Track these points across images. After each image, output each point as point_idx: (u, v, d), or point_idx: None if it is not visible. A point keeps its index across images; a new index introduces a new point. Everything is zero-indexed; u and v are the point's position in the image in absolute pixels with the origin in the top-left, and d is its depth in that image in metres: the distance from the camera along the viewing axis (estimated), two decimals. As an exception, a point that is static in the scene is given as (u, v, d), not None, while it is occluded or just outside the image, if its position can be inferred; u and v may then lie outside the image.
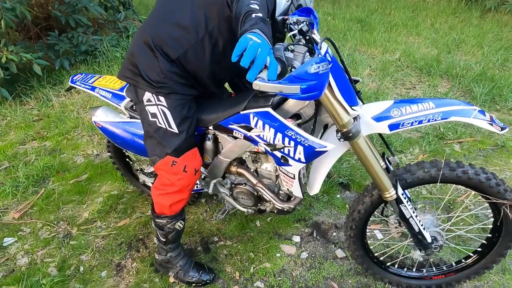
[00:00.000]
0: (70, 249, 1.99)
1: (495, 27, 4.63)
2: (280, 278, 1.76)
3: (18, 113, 3.37)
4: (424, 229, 1.41)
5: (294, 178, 1.42)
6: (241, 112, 1.38)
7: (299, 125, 1.36)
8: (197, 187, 1.83)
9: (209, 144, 1.61)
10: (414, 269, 1.67)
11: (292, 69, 1.03)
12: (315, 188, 1.44)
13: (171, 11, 1.36)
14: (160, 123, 1.42)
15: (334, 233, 1.98)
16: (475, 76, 3.36)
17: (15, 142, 2.97)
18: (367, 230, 1.58)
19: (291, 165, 1.36)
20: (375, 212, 1.51)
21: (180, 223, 1.62)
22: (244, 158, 1.61)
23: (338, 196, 2.22)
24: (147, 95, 1.41)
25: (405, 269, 1.67)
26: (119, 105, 1.78)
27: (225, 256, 1.90)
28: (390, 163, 1.49)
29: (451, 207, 2.04)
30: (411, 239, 1.47)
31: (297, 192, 1.50)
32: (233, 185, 1.70)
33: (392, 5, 5.79)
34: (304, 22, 1.28)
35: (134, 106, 1.59)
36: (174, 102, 1.40)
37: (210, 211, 2.18)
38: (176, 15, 1.34)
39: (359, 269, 1.76)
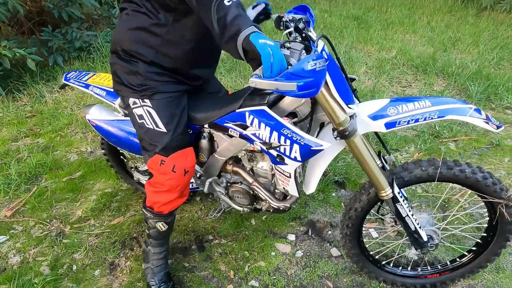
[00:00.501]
0: (63, 247, 1.96)
1: (491, 25, 4.64)
2: (275, 277, 1.76)
3: (11, 109, 3.32)
4: (420, 228, 1.41)
5: (290, 177, 1.41)
6: (237, 110, 1.37)
7: (295, 124, 1.35)
8: (192, 185, 1.81)
9: (204, 142, 1.59)
10: (409, 268, 1.67)
11: (289, 66, 1.02)
12: (311, 187, 1.44)
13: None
14: (148, 124, 1.43)
15: (329, 232, 1.98)
16: (470, 75, 3.36)
17: (7, 139, 2.93)
18: (363, 229, 1.58)
19: (287, 164, 1.35)
20: (371, 211, 1.51)
21: (163, 224, 1.60)
22: (240, 156, 1.59)
23: (333, 194, 2.21)
24: (132, 99, 1.43)
25: (400, 268, 1.67)
26: (113, 103, 1.76)
27: (220, 255, 1.88)
28: (386, 162, 1.49)
29: (447, 205, 2.04)
30: (407, 237, 1.47)
31: (293, 191, 1.49)
32: (228, 184, 1.68)
33: (388, 2, 5.79)
34: (301, 19, 1.27)
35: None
36: (158, 102, 1.40)
37: (205, 209, 2.17)
38: (135, 18, 1.32)
39: (354, 267, 1.76)
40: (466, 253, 1.57)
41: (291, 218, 2.07)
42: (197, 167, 1.68)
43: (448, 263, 1.63)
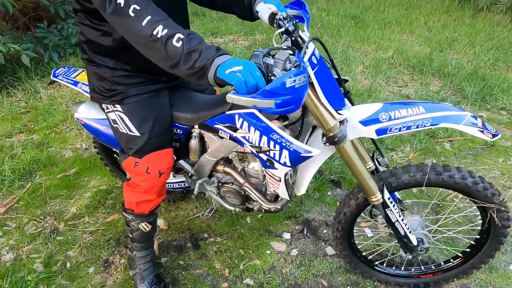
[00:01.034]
0: (57, 244, 1.95)
1: (487, 26, 4.66)
2: (269, 275, 1.76)
3: (5, 105, 3.29)
4: (410, 232, 1.40)
5: (280, 181, 1.40)
6: (227, 112, 1.34)
7: (286, 126, 1.33)
8: (184, 184, 1.80)
9: (194, 142, 1.56)
10: (402, 268, 1.67)
11: (272, 77, 1.00)
12: (302, 189, 1.43)
13: None
14: (121, 129, 1.42)
15: (325, 231, 1.98)
16: (466, 75, 3.37)
17: (1, 135, 2.91)
18: (354, 230, 1.58)
19: (277, 168, 1.33)
20: (364, 211, 1.51)
21: (146, 225, 1.58)
22: (230, 157, 1.58)
23: (329, 193, 2.22)
24: (104, 105, 1.43)
25: (394, 268, 1.68)
26: None
27: (215, 253, 1.88)
28: (379, 164, 1.48)
29: (440, 205, 2.05)
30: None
31: (283, 194, 1.48)
32: (220, 184, 1.67)
33: (386, 2, 5.79)
34: (292, 22, 1.25)
35: None
36: (129, 106, 1.38)
37: (200, 207, 2.16)
38: (85, 30, 1.31)
39: (349, 266, 1.76)
40: (459, 255, 1.57)
41: (287, 217, 2.07)
42: (188, 167, 1.67)
43: (442, 263, 1.63)
